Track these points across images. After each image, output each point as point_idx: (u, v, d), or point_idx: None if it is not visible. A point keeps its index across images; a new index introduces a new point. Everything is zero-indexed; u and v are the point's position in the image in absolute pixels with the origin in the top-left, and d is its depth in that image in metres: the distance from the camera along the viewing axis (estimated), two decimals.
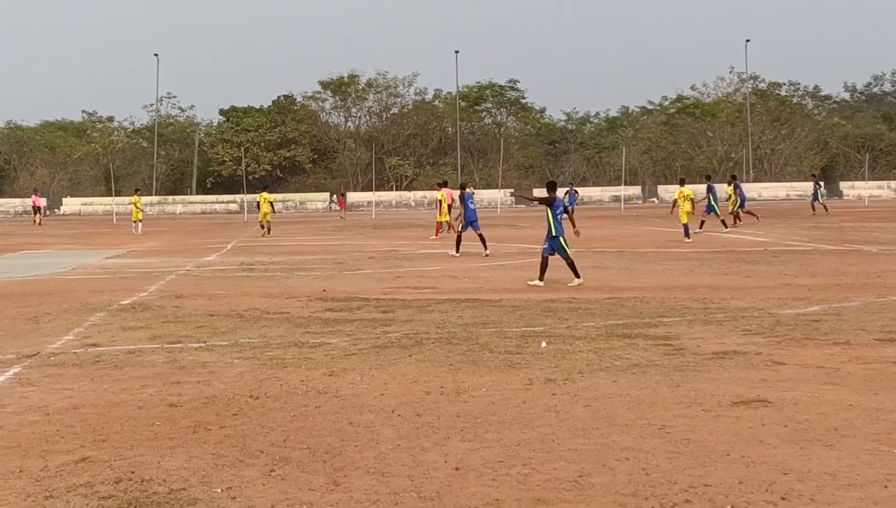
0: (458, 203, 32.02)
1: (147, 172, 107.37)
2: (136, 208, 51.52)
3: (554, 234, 19.40)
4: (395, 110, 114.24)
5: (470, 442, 7.60)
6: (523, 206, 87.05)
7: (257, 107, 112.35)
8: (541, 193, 25.05)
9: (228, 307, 16.35)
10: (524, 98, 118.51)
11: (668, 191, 38.80)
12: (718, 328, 13.07)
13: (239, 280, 21.66)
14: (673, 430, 7.82)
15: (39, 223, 64.42)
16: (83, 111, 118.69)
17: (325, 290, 18.85)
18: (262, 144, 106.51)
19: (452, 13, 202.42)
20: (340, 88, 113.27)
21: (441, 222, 39.48)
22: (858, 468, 6.76)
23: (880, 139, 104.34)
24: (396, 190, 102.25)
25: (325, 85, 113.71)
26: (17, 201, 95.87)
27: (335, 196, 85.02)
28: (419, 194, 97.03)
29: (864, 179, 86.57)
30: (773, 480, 6.51)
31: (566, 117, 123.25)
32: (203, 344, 12.55)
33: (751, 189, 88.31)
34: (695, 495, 6.24)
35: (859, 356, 10.90)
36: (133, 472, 6.96)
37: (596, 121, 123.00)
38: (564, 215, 19.75)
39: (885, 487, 6.36)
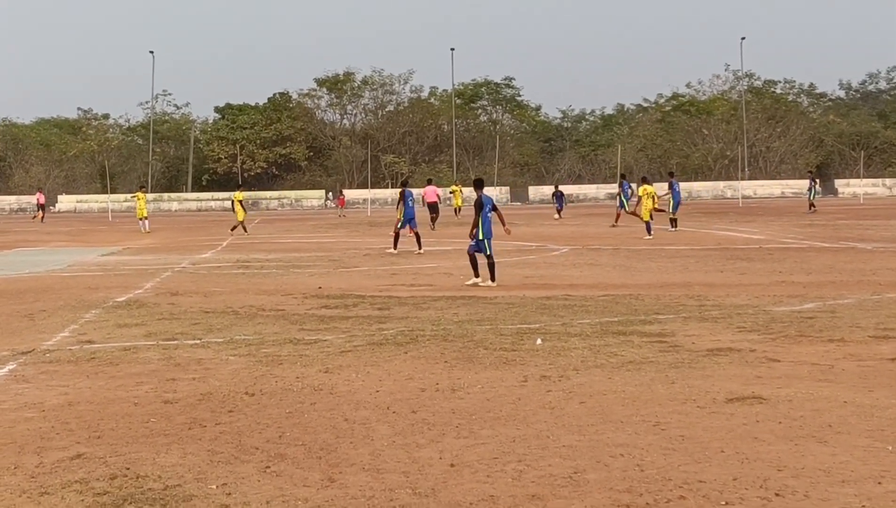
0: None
1: (142, 169, 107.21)
2: (141, 204, 49.82)
3: (480, 236, 19.19)
4: (390, 108, 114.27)
5: (465, 439, 7.61)
6: (519, 203, 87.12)
7: (253, 104, 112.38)
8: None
9: (224, 304, 16.35)
10: (520, 96, 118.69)
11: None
12: (713, 325, 13.09)
13: (234, 277, 21.66)
14: (667, 427, 7.84)
15: (42, 220, 64.54)
16: (79, 108, 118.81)
17: (320, 287, 18.86)
18: (258, 142, 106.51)
19: (448, 11, 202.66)
20: (336, 85, 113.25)
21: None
22: (852, 464, 6.78)
23: (875, 137, 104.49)
24: (392, 187, 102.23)
25: (320, 82, 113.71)
26: (13, 198, 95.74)
27: (333, 194, 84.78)
28: (416, 191, 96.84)
29: (859, 177, 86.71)
30: (768, 476, 6.53)
31: (562, 115, 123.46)
32: (198, 341, 12.56)
33: (746, 187, 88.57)
34: (689, 491, 6.25)
35: (854, 353, 10.92)
36: (128, 468, 6.96)
37: (591, 118, 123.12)
38: (493, 214, 19.60)
39: (879, 483, 6.37)
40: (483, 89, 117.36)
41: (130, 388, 9.77)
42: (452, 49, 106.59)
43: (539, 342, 11.88)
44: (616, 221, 42.71)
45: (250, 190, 76.87)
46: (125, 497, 6.32)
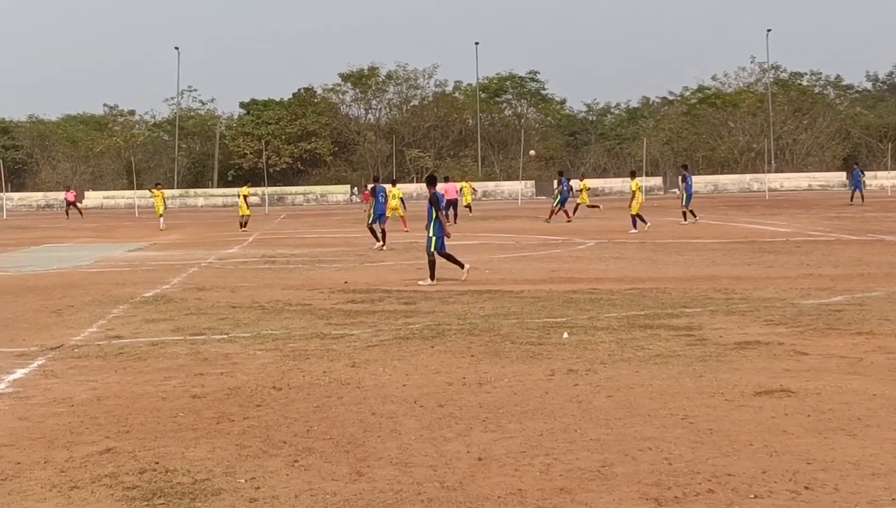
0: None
1: (168, 165, 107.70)
2: (158, 201, 49.19)
3: (430, 233, 18.80)
4: (415, 102, 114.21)
5: (492, 433, 7.61)
6: (544, 197, 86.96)
7: (277, 100, 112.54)
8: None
9: (251, 299, 16.40)
10: (544, 89, 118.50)
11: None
12: (741, 319, 13.03)
13: (261, 272, 21.73)
14: (696, 420, 7.81)
15: (81, 214, 65.45)
16: (104, 105, 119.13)
17: (346, 282, 18.88)
18: (283, 137, 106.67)
19: (472, 5, 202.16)
20: (361, 80, 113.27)
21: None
22: (882, 457, 6.74)
23: None
24: (417, 182, 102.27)
25: (345, 77, 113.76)
26: (40, 194, 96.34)
27: (358, 189, 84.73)
28: (440, 186, 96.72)
29: (886, 169, 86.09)
30: (797, 469, 6.49)
31: (587, 108, 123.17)
32: (225, 336, 12.60)
33: (772, 179, 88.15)
34: (718, 484, 6.23)
35: (882, 346, 10.86)
36: (157, 463, 7.00)
37: (617, 112, 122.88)
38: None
39: None
40: (507, 83, 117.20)
41: (158, 383, 9.81)
42: (477, 43, 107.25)
43: (566, 335, 11.86)
44: (550, 217, 42.79)
45: (272, 186, 76.58)
46: (154, 492, 6.34)
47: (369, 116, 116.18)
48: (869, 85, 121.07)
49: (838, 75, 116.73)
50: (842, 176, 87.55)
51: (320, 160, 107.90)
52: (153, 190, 50.52)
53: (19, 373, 10.56)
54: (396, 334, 12.42)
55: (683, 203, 37.71)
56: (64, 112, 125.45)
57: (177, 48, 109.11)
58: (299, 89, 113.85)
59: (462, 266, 18.77)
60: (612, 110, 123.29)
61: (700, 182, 78.14)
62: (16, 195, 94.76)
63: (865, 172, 61.23)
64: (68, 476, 6.78)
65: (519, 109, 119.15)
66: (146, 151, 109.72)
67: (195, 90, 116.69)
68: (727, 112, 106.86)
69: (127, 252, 29.94)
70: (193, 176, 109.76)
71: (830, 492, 6.06)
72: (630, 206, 33.99)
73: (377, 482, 6.46)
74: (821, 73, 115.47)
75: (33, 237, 41.18)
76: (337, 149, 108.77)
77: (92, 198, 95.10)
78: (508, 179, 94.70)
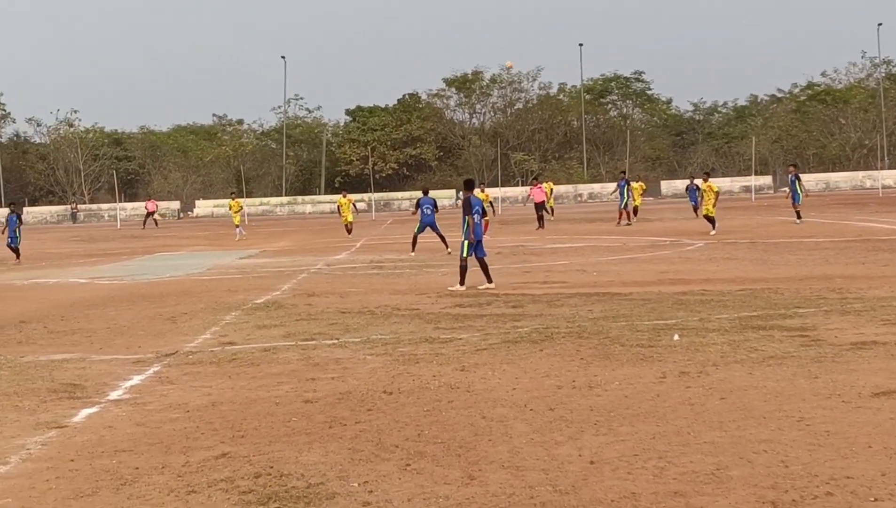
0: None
1: (276, 173, 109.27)
2: (234, 211, 49.37)
3: (463, 238, 18.65)
4: (519, 105, 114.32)
5: (604, 436, 7.56)
6: (651, 198, 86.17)
7: (383, 106, 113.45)
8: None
9: (360, 304, 16.52)
10: (650, 89, 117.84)
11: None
12: (856, 319, 12.76)
13: (369, 278, 21.89)
14: (812, 422, 7.67)
15: (156, 225, 66.73)
16: (214, 115, 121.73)
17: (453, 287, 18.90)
18: (389, 143, 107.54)
19: (576, 6, 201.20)
20: (465, 84, 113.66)
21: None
22: None
23: None
24: (522, 185, 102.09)
25: (449, 82, 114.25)
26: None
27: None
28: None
29: None
30: None
31: (693, 108, 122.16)
32: (336, 341, 12.71)
33: (886, 176, 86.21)
34: (836, 487, 6.11)
35: None
36: (272, 467, 7.08)
37: (724, 110, 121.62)
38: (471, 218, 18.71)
39: None
40: (612, 84, 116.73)
41: (271, 388, 9.93)
42: (581, 44, 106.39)
43: (676, 337, 11.73)
44: (620, 220, 42.64)
45: (378, 191, 77.00)
46: (270, 496, 6.42)
47: (474, 120, 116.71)
48: None
49: None
50: None
51: (426, 165, 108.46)
52: (231, 201, 50.77)
53: (136, 380, 10.78)
54: (505, 337, 12.41)
55: (796, 201, 37.03)
56: (174, 123, 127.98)
57: (283, 57, 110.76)
58: (404, 95, 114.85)
59: (490, 280, 18.56)
60: (719, 109, 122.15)
61: (811, 180, 76.87)
62: (129, 205, 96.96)
63: None
64: (185, 480, 6.90)
65: (624, 109, 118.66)
66: (255, 159, 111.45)
67: (302, 98, 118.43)
68: (838, 108, 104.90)
69: (238, 260, 30.40)
70: (301, 183, 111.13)
71: None
72: (704, 207, 33.60)
73: (489, 485, 6.46)
74: None
75: (146, 246, 42.05)
76: (442, 154, 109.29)
77: (202, 207, 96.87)
78: (614, 180, 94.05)
